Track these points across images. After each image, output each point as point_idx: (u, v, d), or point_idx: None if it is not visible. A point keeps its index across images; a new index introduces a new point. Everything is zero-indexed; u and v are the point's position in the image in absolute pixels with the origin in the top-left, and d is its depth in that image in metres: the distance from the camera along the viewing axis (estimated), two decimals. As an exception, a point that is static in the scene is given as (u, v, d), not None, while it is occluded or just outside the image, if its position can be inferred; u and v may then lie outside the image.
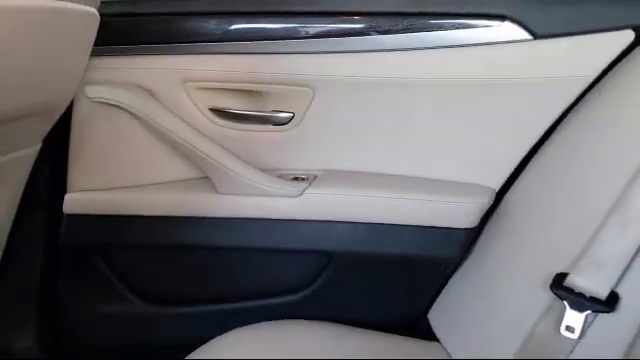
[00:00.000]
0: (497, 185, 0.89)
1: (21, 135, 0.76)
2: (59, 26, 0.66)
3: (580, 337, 0.71)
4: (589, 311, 0.71)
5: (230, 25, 0.86)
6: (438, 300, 0.93)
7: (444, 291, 0.92)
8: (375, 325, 0.90)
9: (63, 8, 0.62)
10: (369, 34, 0.84)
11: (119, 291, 0.95)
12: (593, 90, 0.82)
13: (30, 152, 0.80)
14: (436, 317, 0.92)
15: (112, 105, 0.86)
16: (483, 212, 0.88)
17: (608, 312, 0.70)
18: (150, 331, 0.97)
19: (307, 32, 0.84)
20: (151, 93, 0.87)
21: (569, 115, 0.84)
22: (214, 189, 0.88)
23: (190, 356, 0.80)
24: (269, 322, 0.87)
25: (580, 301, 0.71)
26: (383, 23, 0.84)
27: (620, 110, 0.78)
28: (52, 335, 0.97)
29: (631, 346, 0.68)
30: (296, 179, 0.90)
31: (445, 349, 0.87)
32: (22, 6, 0.58)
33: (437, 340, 0.89)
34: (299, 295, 0.94)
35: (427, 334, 0.90)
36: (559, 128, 0.84)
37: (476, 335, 0.84)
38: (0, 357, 0.96)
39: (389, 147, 0.90)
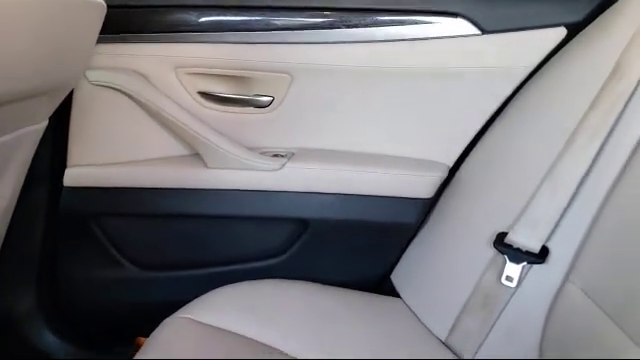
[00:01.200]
0: (450, 161, 1.02)
1: (31, 113, 0.85)
2: (71, 16, 0.76)
3: (517, 285, 0.86)
4: (525, 263, 0.85)
5: (217, 17, 0.96)
6: (400, 262, 1.06)
7: (405, 254, 1.05)
8: (346, 284, 1.02)
9: (83, 6, 0.72)
10: (340, 27, 0.95)
11: (113, 257, 1.05)
12: (532, 79, 0.96)
13: (38, 128, 0.89)
14: (398, 277, 1.05)
15: (110, 88, 0.96)
16: (438, 184, 1.01)
17: (540, 263, 0.84)
18: (142, 294, 1.07)
19: (286, 25, 0.95)
20: (146, 77, 0.97)
21: (512, 100, 0.97)
22: (203, 164, 0.99)
23: (177, 313, 0.89)
24: (251, 281, 0.98)
25: (517, 255, 0.85)
26: (352, 18, 0.95)
27: (553, 96, 0.92)
28: (51, 298, 1.07)
29: (559, 291, 0.83)
30: (276, 155, 1.02)
31: (406, 303, 1.00)
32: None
33: (399, 297, 1.02)
34: (279, 259, 1.06)
35: (391, 292, 1.03)
36: (503, 112, 0.98)
37: (431, 290, 0.97)
38: (3, 318, 1.05)
39: (357, 127, 1.02)
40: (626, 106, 0.81)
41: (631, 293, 0.70)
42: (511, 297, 0.86)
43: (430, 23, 0.95)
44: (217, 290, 0.95)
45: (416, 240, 1.04)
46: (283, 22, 0.96)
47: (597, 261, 0.79)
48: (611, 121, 0.81)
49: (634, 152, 0.79)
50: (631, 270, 0.71)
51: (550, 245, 0.84)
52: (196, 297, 0.94)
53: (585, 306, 0.77)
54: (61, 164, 0.99)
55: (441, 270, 0.96)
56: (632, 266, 0.71)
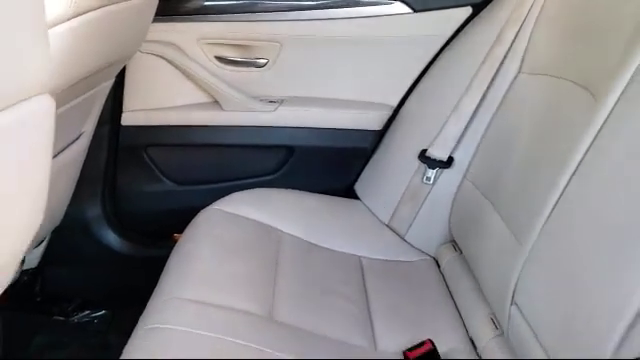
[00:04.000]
0: (394, 103, 1.43)
1: (107, 74, 1.25)
2: (143, 10, 1.14)
3: (433, 184, 1.29)
4: (437, 168, 1.28)
5: (228, 2, 1.36)
6: (360, 175, 1.48)
7: (364, 170, 1.47)
8: (322, 193, 1.45)
9: (146, 2, 1.11)
10: (316, 9, 1.35)
11: (157, 176, 1.47)
12: (448, 45, 1.37)
13: (108, 85, 1.29)
14: (359, 186, 1.48)
15: (154, 54, 1.36)
16: (386, 119, 1.44)
17: (447, 168, 1.27)
18: (176, 202, 1.48)
19: (277, 8, 1.35)
20: (178, 47, 1.37)
21: (435, 60, 1.38)
22: (220, 108, 1.40)
23: (209, 206, 1.31)
24: (256, 188, 1.41)
25: (433, 163, 1.29)
26: (324, 2, 1.35)
27: (461, 57, 1.33)
28: (112, 206, 1.48)
29: (459, 187, 1.26)
30: (271, 101, 1.43)
31: (364, 203, 1.43)
32: (125, 7, 1.06)
33: (360, 199, 1.45)
34: (274, 175, 1.48)
35: (354, 196, 1.46)
36: (429, 69, 1.39)
37: (379, 192, 1.40)
38: (78, 222, 1.46)
39: (328, 80, 1.43)
40: (502, 63, 1.23)
41: (504, 183, 1.11)
42: (429, 192, 1.30)
43: (379, 5, 1.35)
44: (233, 194, 1.36)
45: (371, 160, 1.47)
46: (275, 6, 1.36)
47: (483, 163, 1.22)
48: (493, 72, 1.23)
49: (508, 91, 1.21)
50: (505, 166, 1.11)
51: (454, 155, 1.27)
52: (216, 202, 1.36)
53: (475, 196, 1.20)
54: (119, 109, 1.40)
55: (386, 178, 1.40)
56: (505, 163, 1.11)
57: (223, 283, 1.02)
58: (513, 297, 0.88)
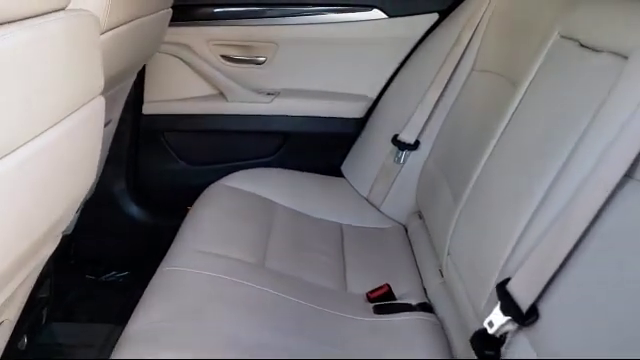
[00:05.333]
0: (374, 95, 1.68)
1: (132, 71, 1.50)
2: (160, 21, 1.39)
3: (403, 163, 1.54)
4: (406, 150, 1.53)
5: (232, 9, 1.60)
6: (346, 158, 1.73)
7: (349, 153, 1.72)
8: (313, 172, 1.70)
9: (163, 13, 1.36)
10: (305, 15, 1.60)
11: (172, 157, 1.73)
12: (418, 46, 1.61)
13: (132, 79, 1.54)
14: (345, 167, 1.73)
15: (169, 54, 1.61)
16: (366, 109, 1.68)
17: (414, 150, 1.52)
18: (189, 179, 1.74)
19: (274, 14, 1.60)
20: (189, 47, 1.62)
21: (407, 60, 1.62)
22: (225, 99, 1.66)
23: (215, 183, 1.56)
24: (256, 168, 1.66)
25: (402, 145, 1.53)
26: (311, 9, 1.60)
27: (429, 56, 1.57)
28: (135, 182, 1.75)
29: (424, 166, 1.50)
30: (269, 94, 1.68)
31: (348, 181, 1.68)
32: (148, 19, 1.30)
33: (345, 178, 1.70)
34: (271, 157, 1.73)
35: (340, 175, 1.71)
36: (403, 67, 1.63)
37: (360, 171, 1.65)
38: (105, 195, 1.72)
39: (318, 75, 1.68)
40: (459, 61, 1.47)
41: (454, 160, 1.35)
42: (400, 170, 1.55)
43: (360, 12, 1.60)
44: (235, 173, 1.62)
45: (354, 144, 1.71)
46: (272, 13, 1.60)
47: (442, 145, 1.46)
48: (452, 70, 1.47)
49: (463, 86, 1.45)
50: (457, 147, 1.34)
51: (420, 139, 1.52)
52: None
53: (435, 173, 1.44)
54: (140, 100, 1.66)
55: (366, 158, 1.65)
56: (457, 145, 1.34)
57: (225, 239, 1.27)
58: (448, 249, 1.12)
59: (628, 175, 0.70)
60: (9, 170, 0.61)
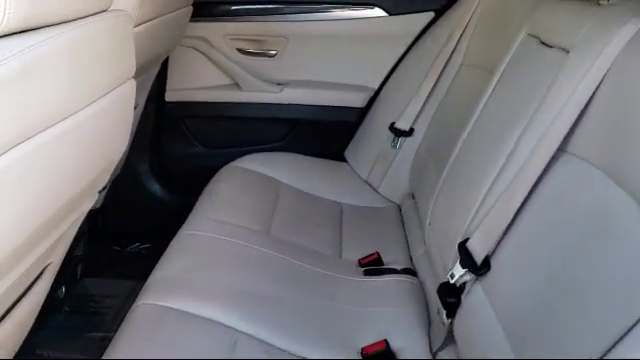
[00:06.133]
0: (375, 86, 1.83)
1: (156, 62, 1.68)
2: (182, 18, 1.56)
3: (398, 149, 1.69)
4: (402, 137, 1.68)
5: (247, 6, 1.77)
6: (349, 144, 1.89)
7: (352, 139, 1.88)
8: (319, 157, 1.86)
9: (184, 10, 1.53)
10: (313, 12, 1.76)
11: (192, 142, 1.91)
12: (416, 42, 1.76)
13: (156, 69, 1.72)
14: (348, 152, 1.88)
15: (189, 47, 1.79)
16: (368, 99, 1.83)
17: (409, 136, 1.67)
18: (206, 161, 1.91)
19: (285, 12, 1.77)
20: (208, 41, 1.79)
21: (407, 54, 1.78)
22: (240, 88, 1.83)
23: (228, 164, 1.74)
24: (265, 152, 1.83)
25: (399, 132, 1.68)
26: (318, 7, 1.76)
27: (424, 52, 1.72)
28: (158, 164, 1.93)
29: (417, 151, 1.66)
30: (279, 84, 1.84)
31: (350, 165, 1.84)
32: (171, 15, 1.48)
33: (348, 162, 1.86)
34: (280, 143, 1.90)
35: (344, 160, 1.87)
36: (402, 60, 1.78)
37: (360, 156, 1.80)
38: (132, 176, 1.90)
39: (324, 67, 1.84)
40: (450, 56, 1.62)
41: (442, 145, 1.50)
42: (396, 155, 1.70)
43: (362, 10, 1.75)
44: (248, 156, 1.79)
45: (357, 131, 1.87)
46: (283, 10, 1.77)
47: (433, 133, 1.61)
48: (443, 64, 1.62)
49: (453, 79, 1.60)
50: (446, 135, 1.49)
51: (414, 127, 1.67)
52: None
53: (426, 158, 1.58)
54: (163, 89, 1.84)
55: (366, 144, 1.80)
56: (446, 133, 1.49)
57: (237, 211, 1.45)
58: (430, 220, 1.28)
59: (561, 149, 0.86)
60: (59, 134, 0.78)
